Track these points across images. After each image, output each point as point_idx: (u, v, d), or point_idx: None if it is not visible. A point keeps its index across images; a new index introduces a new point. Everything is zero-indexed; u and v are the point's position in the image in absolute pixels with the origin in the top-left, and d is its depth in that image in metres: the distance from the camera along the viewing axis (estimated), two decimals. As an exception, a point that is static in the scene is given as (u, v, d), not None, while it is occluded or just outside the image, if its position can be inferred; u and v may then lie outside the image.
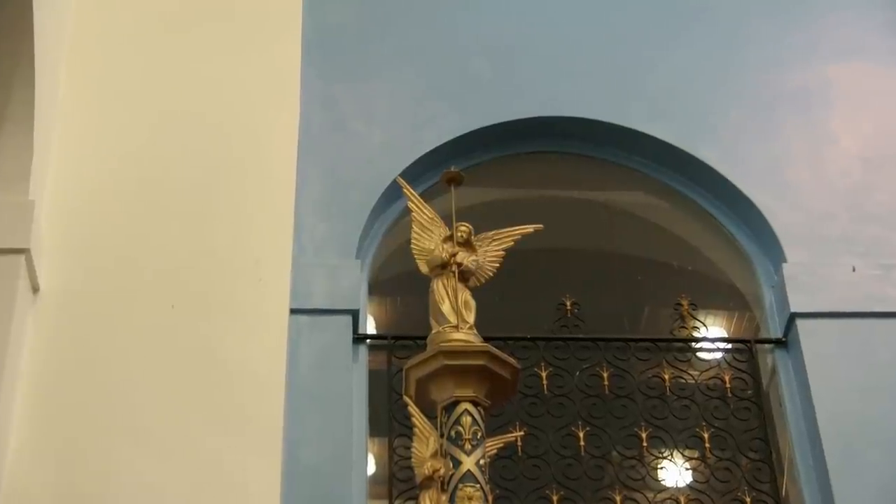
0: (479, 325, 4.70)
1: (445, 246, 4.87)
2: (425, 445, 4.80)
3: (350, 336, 6.03)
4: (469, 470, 4.32)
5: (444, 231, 4.93)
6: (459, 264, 4.82)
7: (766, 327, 6.45)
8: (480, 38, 7.04)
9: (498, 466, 5.50)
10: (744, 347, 6.35)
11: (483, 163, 6.81)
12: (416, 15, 7.07)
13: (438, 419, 4.54)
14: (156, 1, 6.42)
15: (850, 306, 6.19)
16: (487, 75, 6.93)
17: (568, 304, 6.39)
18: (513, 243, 5.02)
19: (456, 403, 4.46)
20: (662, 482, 6.09)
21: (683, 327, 6.40)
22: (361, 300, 6.20)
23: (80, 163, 5.85)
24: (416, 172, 6.40)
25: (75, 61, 6.10)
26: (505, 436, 5.25)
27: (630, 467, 5.99)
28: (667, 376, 6.20)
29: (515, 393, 4.80)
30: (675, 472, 6.09)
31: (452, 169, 5.02)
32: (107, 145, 5.97)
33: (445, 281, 4.80)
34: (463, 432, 4.40)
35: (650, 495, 5.93)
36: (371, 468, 6.03)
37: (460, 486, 4.30)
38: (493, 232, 5.02)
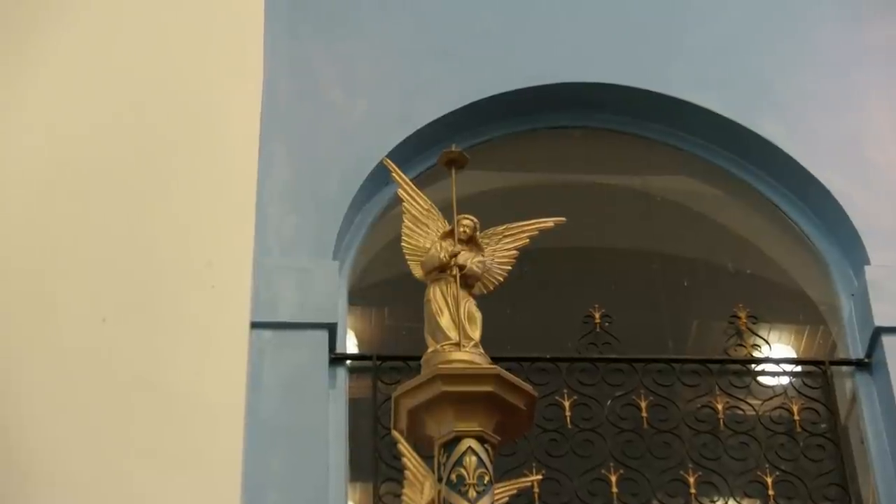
0: (487, 342, 4.70)
1: (444, 244, 4.89)
2: (419, 492, 4.79)
3: (326, 356, 6.03)
4: (474, 523, 4.34)
5: (442, 225, 4.94)
6: (462, 267, 4.83)
7: (844, 345, 6.45)
8: (488, -15, 7.06)
9: (510, 518, 5.50)
10: (816, 370, 6.35)
11: (491, 140, 6.82)
12: (408, -44, 7.09)
13: (436, 459, 4.55)
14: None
15: (950, 319, 6.20)
16: (497, 31, 6.93)
17: (596, 316, 6.38)
18: (528, 241, 5.03)
19: (457, 440, 4.48)
20: (715, 537, 6.09)
21: (741, 345, 6.40)
22: (340, 312, 6.20)
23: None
24: (407, 152, 6.41)
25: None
26: (518, 480, 5.22)
27: (674, 519, 5.99)
28: (720, 406, 6.19)
29: (531, 427, 4.80)
30: (730, 525, 6.09)
31: (453, 148, 5.03)
32: (21, 120, 5.95)
33: (444, 287, 4.81)
34: (466, 476, 4.41)
35: (700, 554, 5.95)
36: (352, 520, 6.03)
37: (463, 542, 4.31)
38: (503, 227, 5.03)
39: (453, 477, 4.42)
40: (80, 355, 5.40)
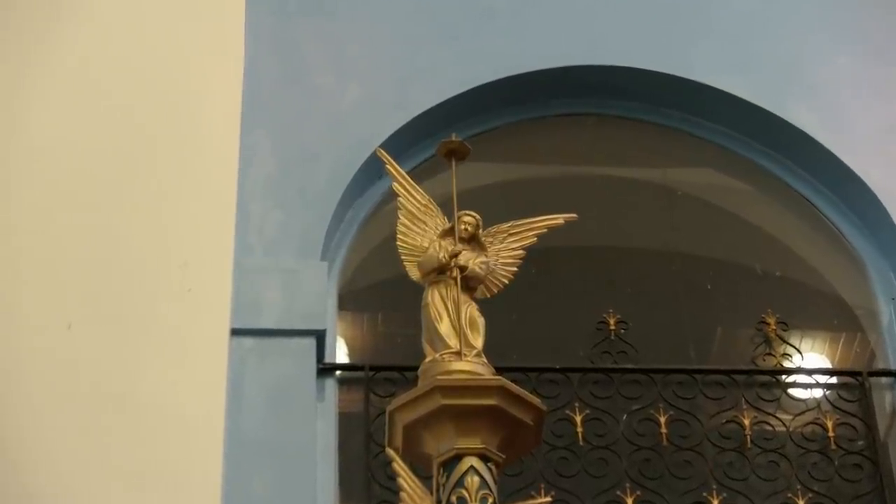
0: (490, 351, 4.69)
1: (444, 243, 4.90)
2: (416, 516, 4.80)
3: (313, 366, 6.04)
4: (476, 549, 4.34)
5: (441, 222, 4.95)
6: (463, 268, 4.83)
7: (883, 354, 6.46)
8: (492, -41, 7.06)
9: (516, 544, 5.50)
10: (853, 382, 6.36)
11: (495, 129, 6.83)
12: (403, -73, 7.10)
13: (434, 479, 4.56)
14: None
15: None
16: (501, 10, 6.95)
17: (611, 322, 6.39)
18: (536, 239, 5.03)
19: (458, 458, 4.48)
20: (742, 565, 6.09)
21: (770, 354, 6.41)
22: (329, 317, 6.21)
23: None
24: (403, 143, 6.42)
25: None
26: (526, 502, 5.23)
27: (697, 545, 6.00)
28: (747, 421, 6.20)
29: (539, 443, 4.80)
30: (759, 551, 6.09)
31: (453, 138, 5.03)
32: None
33: (444, 290, 4.82)
34: (468, 498, 4.42)
35: (726, 582, 5.95)
36: (343, 546, 6.04)
37: (464, 570, 4.32)
38: (508, 224, 5.05)
39: (454, 499, 4.42)
40: (43, 365, 5.40)
